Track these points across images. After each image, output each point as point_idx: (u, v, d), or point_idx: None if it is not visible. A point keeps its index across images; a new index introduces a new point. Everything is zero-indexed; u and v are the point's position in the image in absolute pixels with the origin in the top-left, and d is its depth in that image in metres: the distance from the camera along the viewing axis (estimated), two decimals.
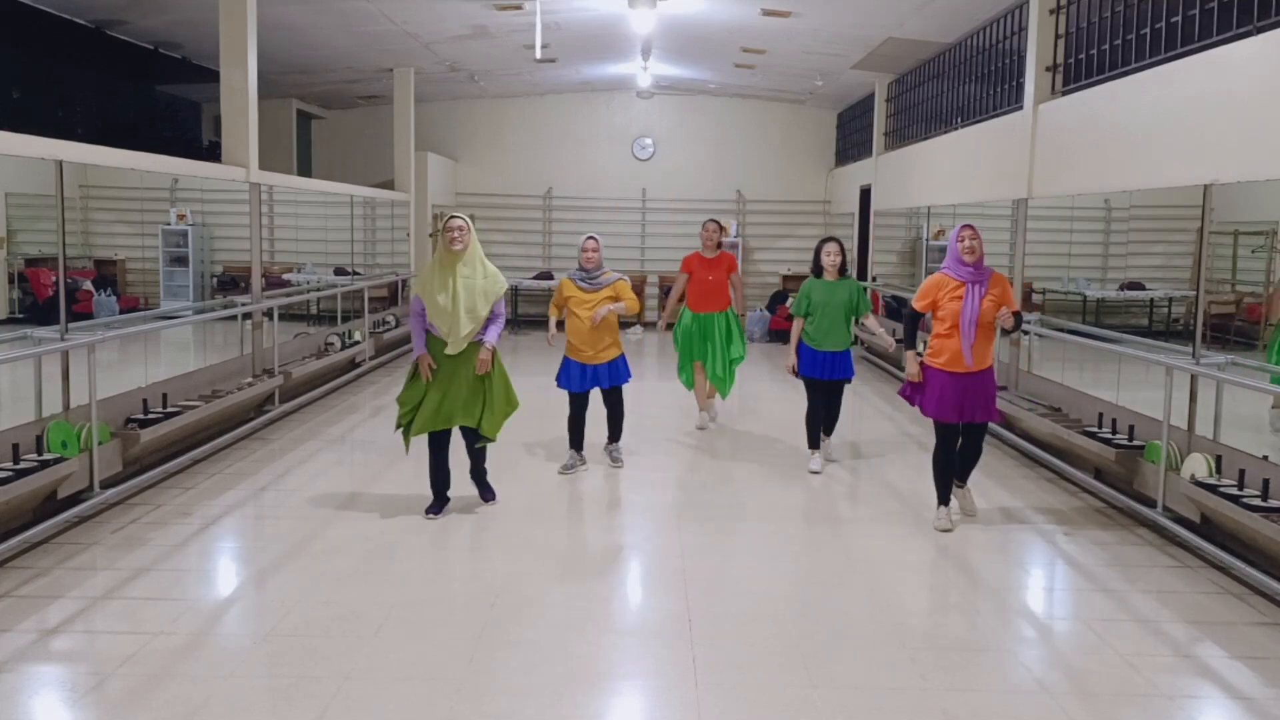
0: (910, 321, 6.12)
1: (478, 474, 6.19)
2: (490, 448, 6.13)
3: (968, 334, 5.69)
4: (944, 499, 5.99)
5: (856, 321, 7.34)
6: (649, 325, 16.01)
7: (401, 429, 5.93)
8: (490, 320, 5.81)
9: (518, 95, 16.53)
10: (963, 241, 5.71)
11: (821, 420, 7.33)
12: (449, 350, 5.69)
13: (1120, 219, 10.11)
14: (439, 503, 6.02)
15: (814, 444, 7.32)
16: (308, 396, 9.32)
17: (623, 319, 7.10)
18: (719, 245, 8.35)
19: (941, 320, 5.80)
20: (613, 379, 6.96)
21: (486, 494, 6.22)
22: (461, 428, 5.92)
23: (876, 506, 6.47)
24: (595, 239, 6.92)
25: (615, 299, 6.79)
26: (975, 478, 6.91)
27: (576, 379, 6.90)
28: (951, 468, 6.00)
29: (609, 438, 7.28)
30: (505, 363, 6.02)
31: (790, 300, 14.93)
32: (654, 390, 10.34)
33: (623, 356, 6.99)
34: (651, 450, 7.74)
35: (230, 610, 4.59)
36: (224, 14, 8.47)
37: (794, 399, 9.28)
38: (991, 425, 8.00)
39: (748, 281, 16.51)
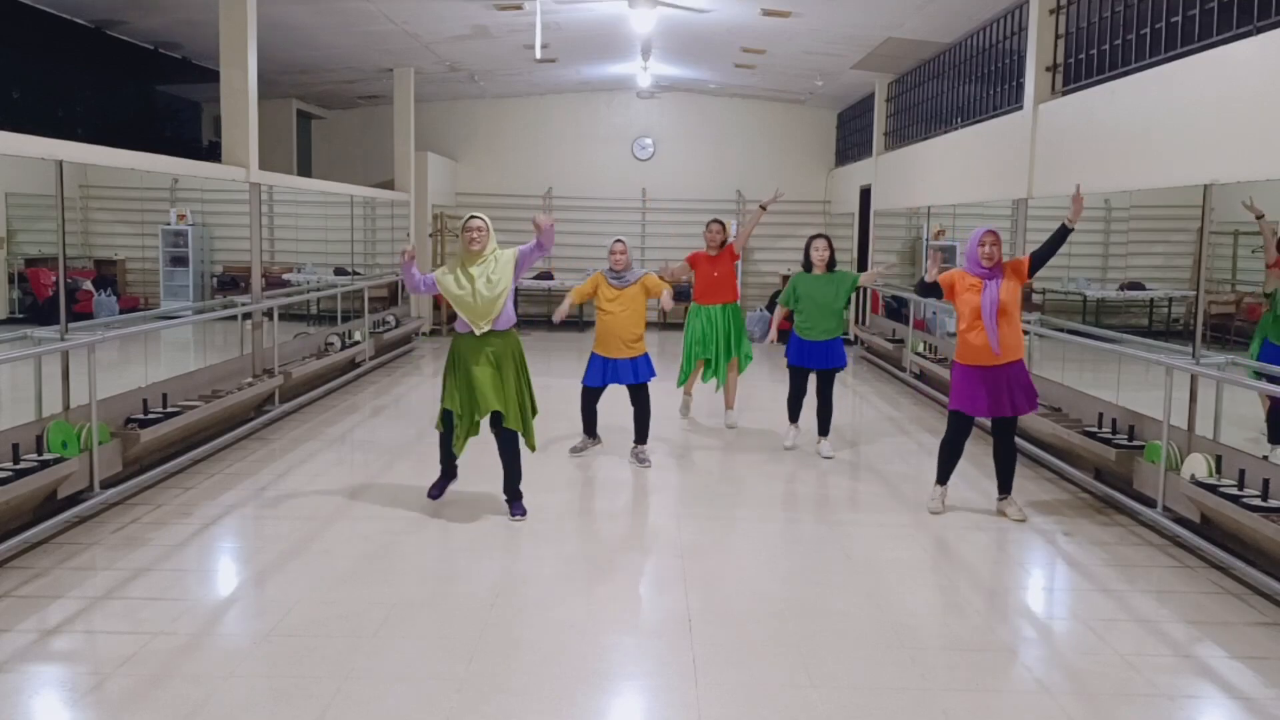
0: (922, 283, 6.17)
1: (511, 484, 5.97)
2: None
3: (990, 324, 5.78)
4: (942, 479, 6.22)
5: (858, 296, 7.79)
6: (647, 325, 16.02)
7: (441, 428, 6.01)
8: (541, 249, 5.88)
9: (518, 95, 16.54)
10: (983, 247, 5.85)
11: (800, 402, 7.70)
12: (479, 330, 5.70)
13: (1120, 219, 10.11)
14: (443, 480, 6.18)
15: (792, 419, 7.79)
16: (308, 396, 9.32)
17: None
18: (722, 244, 8.52)
19: (961, 315, 5.92)
20: (638, 375, 7.14)
21: (516, 510, 5.94)
22: (495, 430, 5.87)
23: (877, 506, 6.47)
24: (623, 241, 7.18)
25: (649, 292, 7.11)
26: (974, 475, 6.93)
27: (599, 374, 7.14)
28: (957, 454, 6.17)
29: (636, 439, 7.34)
30: None
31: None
32: (657, 389, 10.31)
33: (647, 355, 7.20)
34: (651, 449, 7.73)
35: (230, 610, 4.59)
36: (224, 14, 8.47)
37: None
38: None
39: (747, 281, 16.52)
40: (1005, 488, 6.17)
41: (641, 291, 7.09)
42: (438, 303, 14.07)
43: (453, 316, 5.99)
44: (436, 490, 6.21)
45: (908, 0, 9.48)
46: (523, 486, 6.03)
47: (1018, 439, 7.75)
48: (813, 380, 7.60)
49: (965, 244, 6.05)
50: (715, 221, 8.62)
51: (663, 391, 10.25)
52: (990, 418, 6.07)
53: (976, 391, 5.90)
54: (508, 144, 16.81)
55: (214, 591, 4.93)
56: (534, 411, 6.02)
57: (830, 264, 7.46)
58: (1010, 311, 5.83)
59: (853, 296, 7.68)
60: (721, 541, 5.79)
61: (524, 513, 5.94)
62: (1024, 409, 5.98)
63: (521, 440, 5.99)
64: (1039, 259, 5.91)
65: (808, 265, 7.48)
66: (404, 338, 13.13)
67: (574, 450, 7.42)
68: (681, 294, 16.41)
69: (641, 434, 7.31)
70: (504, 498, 6.01)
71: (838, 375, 7.63)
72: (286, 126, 15.04)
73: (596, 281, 7.15)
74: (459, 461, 6.16)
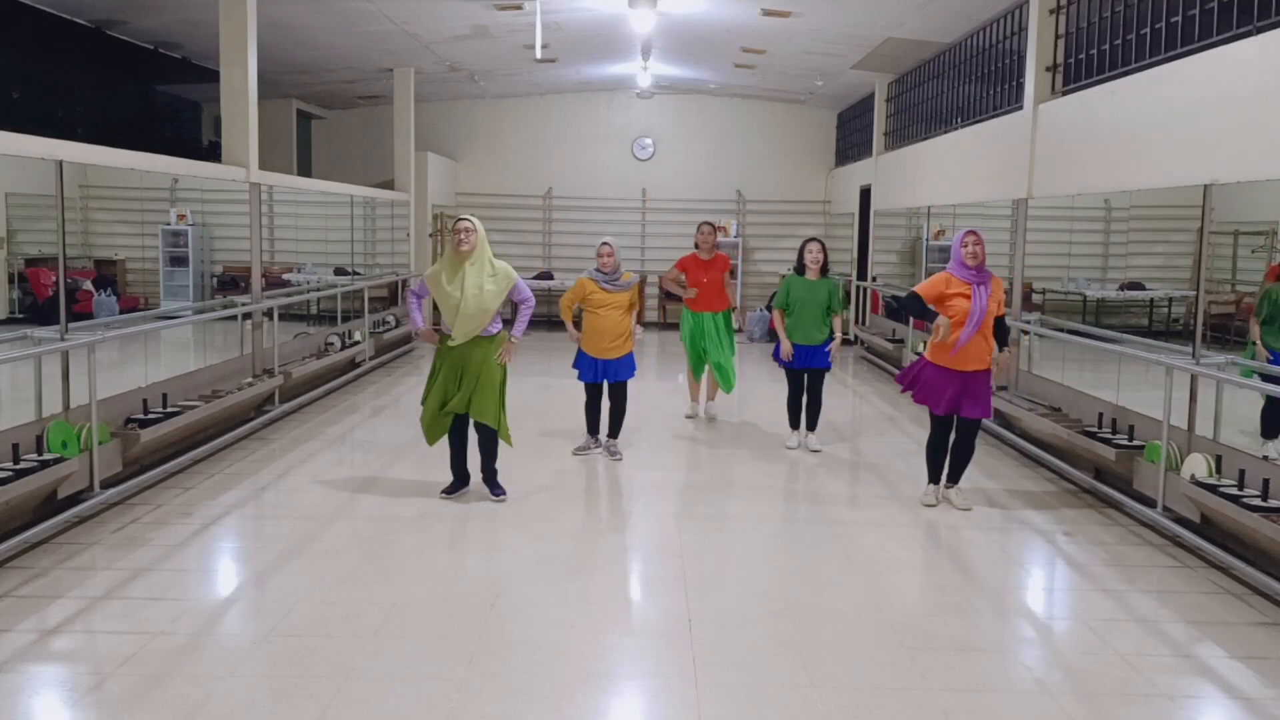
0: (916, 300, 6.22)
1: (487, 472, 6.26)
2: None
3: (969, 332, 5.89)
4: (934, 478, 6.36)
5: (857, 297, 7.88)
6: (648, 325, 16.03)
7: (423, 426, 6.19)
8: (519, 308, 6.12)
9: (518, 95, 16.53)
10: (966, 247, 5.91)
11: (800, 405, 7.79)
12: (452, 341, 5.90)
13: (1120, 219, 10.10)
14: (456, 484, 6.27)
15: (794, 425, 7.86)
16: (308, 396, 9.32)
17: None
18: (715, 246, 8.44)
19: (949, 318, 5.95)
20: (618, 374, 7.26)
21: (496, 490, 6.25)
22: (475, 424, 6.11)
23: (876, 506, 6.47)
24: (609, 243, 7.20)
25: (634, 305, 7.26)
26: (974, 475, 6.92)
27: (589, 371, 7.25)
28: (943, 454, 6.31)
29: (609, 433, 7.47)
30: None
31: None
32: (654, 388, 10.33)
33: (631, 354, 7.29)
34: (652, 448, 7.74)
35: (230, 610, 4.59)
36: (224, 14, 8.47)
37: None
38: (992, 425, 8.06)
39: (747, 281, 16.53)
40: (954, 477, 6.32)
41: (628, 298, 7.20)
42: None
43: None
44: (449, 490, 6.29)
45: (908, 0, 9.48)
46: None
47: (1018, 438, 7.79)
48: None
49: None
50: (705, 224, 8.53)
51: (662, 391, 10.26)
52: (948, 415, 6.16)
53: (943, 389, 6.01)
54: (508, 144, 16.81)
55: (214, 591, 4.93)
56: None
57: (824, 268, 7.49)
58: (987, 323, 5.97)
59: (851, 299, 7.75)
60: (721, 541, 5.79)
61: (504, 492, 6.23)
62: (972, 413, 6.05)
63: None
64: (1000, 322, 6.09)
65: (801, 269, 7.48)
66: (404, 338, 13.13)
67: (577, 450, 7.48)
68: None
69: (615, 428, 7.46)
70: (484, 483, 6.26)
71: (829, 374, 7.80)
72: (286, 126, 15.04)
73: (584, 287, 7.17)
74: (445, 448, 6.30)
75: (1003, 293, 6.12)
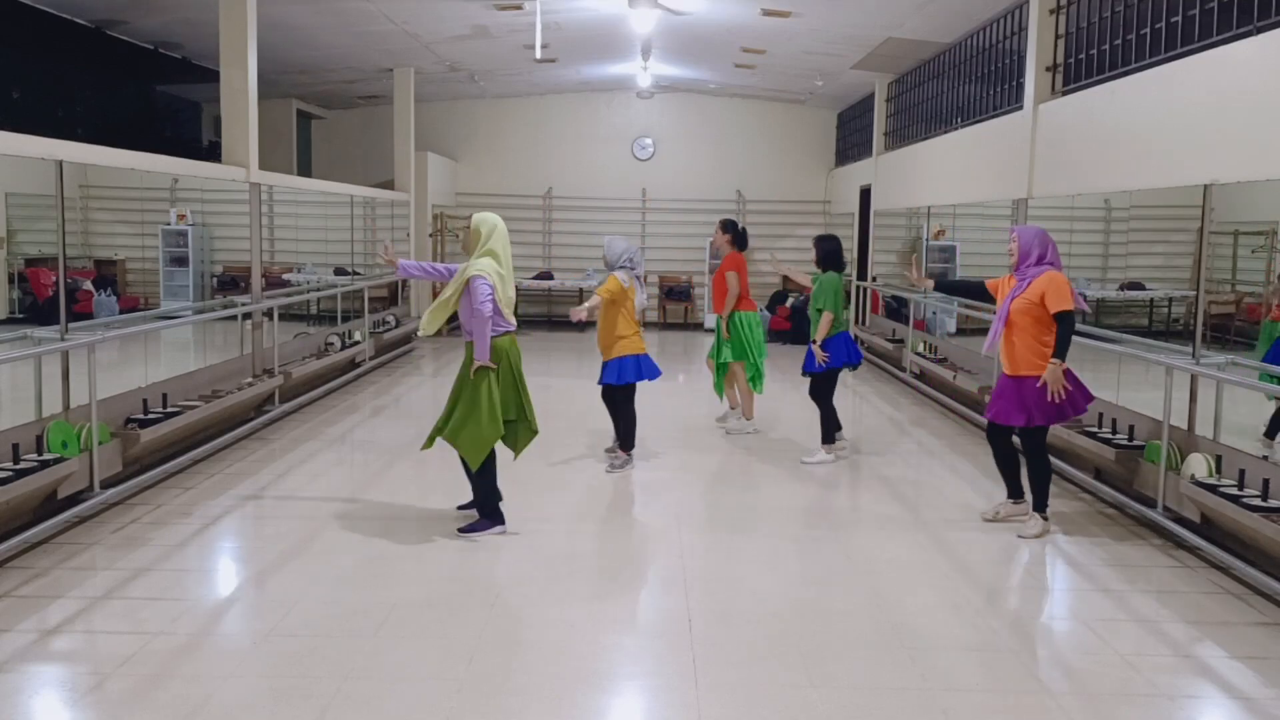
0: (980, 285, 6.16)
1: (475, 500, 5.67)
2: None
3: (995, 326, 5.72)
4: (1012, 492, 6.08)
5: (858, 296, 7.73)
6: (648, 325, 16.03)
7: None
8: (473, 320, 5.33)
9: (518, 95, 16.54)
10: (1009, 245, 5.82)
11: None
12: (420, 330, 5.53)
13: (1120, 219, 10.09)
14: (489, 523, 5.61)
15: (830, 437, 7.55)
16: (308, 396, 9.32)
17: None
18: (730, 244, 8.24)
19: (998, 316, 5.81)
20: (604, 378, 7.07)
21: (476, 524, 5.57)
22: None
23: (877, 507, 6.47)
24: (605, 241, 7.18)
25: (611, 300, 6.93)
26: (974, 475, 6.93)
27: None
28: (998, 462, 6.08)
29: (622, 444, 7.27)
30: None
31: (791, 300, 14.95)
32: (655, 389, 10.32)
33: (617, 359, 6.93)
34: (652, 449, 7.73)
35: (230, 610, 4.59)
36: (224, 14, 8.47)
37: (796, 400, 9.30)
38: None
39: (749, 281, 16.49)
40: (1036, 501, 5.89)
41: (604, 293, 6.88)
42: None
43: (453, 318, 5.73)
44: (467, 505, 5.79)
45: (907, 0, 9.48)
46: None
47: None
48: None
49: None
50: (718, 223, 8.44)
51: (662, 392, 10.26)
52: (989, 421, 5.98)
53: (996, 393, 5.85)
54: (508, 144, 16.82)
55: (214, 591, 4.93)
56: (498, 420, 5.39)
57: (822, 264, 7.39)
58: (1019, 324, 5.59)
59: (852, 298, 7.63)
60: (721, 542, 5.79)
61: (475, 530, 5.52)
62: (1006, 419, 5.71)
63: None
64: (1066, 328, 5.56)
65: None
66: (404, 338, 13.13)
67: (610, 468, 7.13)
68: (682, 293, 16.52)
69: (621, 440, 7.22)
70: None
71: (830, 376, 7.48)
72: (286, 126, 15.04)
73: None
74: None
75: (1049, 286, 5.51)
